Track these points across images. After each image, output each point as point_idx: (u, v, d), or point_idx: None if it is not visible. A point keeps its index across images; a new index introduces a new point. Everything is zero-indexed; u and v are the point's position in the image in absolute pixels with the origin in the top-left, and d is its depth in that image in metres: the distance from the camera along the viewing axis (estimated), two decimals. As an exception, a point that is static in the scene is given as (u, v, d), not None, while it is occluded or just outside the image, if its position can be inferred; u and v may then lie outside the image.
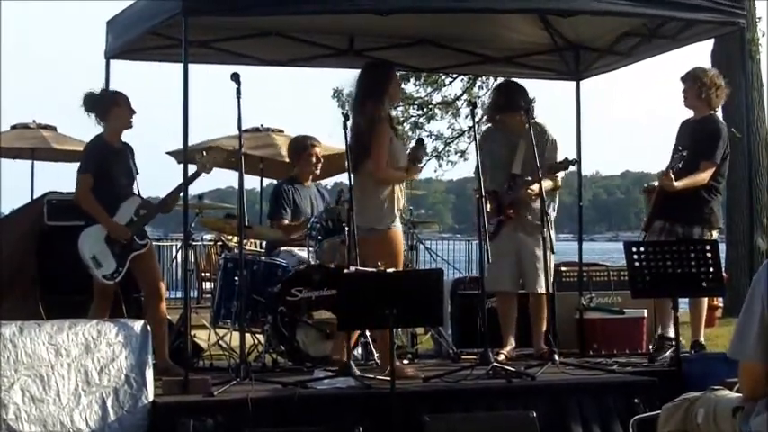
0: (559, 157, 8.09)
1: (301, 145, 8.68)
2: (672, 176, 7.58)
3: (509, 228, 8.03)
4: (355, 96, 7.47)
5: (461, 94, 20.77)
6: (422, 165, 7.56)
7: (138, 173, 7.51)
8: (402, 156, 7.36)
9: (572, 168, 8.33)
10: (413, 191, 15.10)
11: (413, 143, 7.47)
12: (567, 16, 8.03)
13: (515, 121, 8.00)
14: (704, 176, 7.74)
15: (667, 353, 7.69)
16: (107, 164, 7.32)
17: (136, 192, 7.44)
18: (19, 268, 8.39)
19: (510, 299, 8.06)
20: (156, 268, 7.61)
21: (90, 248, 7.22)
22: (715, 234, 7.80)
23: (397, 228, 7.34)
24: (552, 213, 8.08)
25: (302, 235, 8.12)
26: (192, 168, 7.29)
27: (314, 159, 8.57)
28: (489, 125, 8.32)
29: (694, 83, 7.95)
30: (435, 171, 22.41)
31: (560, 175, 8.17)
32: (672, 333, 7.88)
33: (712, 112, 8.01)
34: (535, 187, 7.70)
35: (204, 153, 7.45)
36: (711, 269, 6.78)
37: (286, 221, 8.37)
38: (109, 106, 7.37)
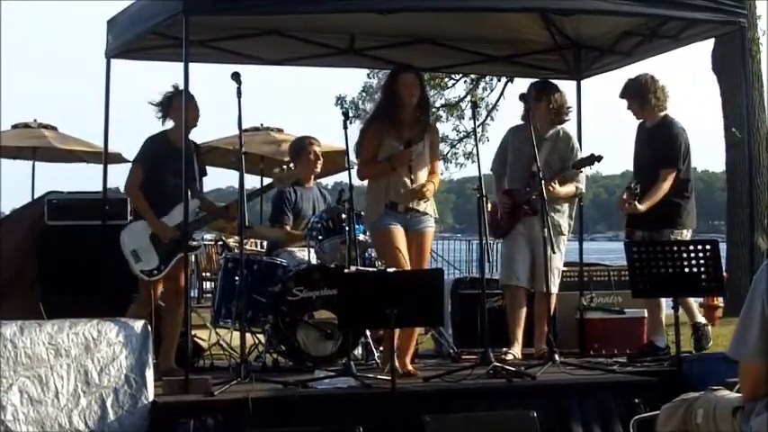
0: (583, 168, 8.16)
1: (300, 145, 8.67)
2: (635, 205, 7.61)
3: (523, 225, 8.05)
4: None
5: (465, 96, 20.78)
6: (408, 156, 7.26)
7: (205, 174, 7.46)
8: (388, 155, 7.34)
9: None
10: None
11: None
12: (568, 15, 8.03)
13: (544, 118, 8.04)
14: (666, 185, 7.78)
15: (648, 358, 7.70)
16: (162, 161, 7.21)
17: (196, 194, 7.34)
18: (19, 268, 8.39)
19: (521, 294, 8.05)
20: (187, 274, 7.36)
21: (131, 242, 7.22)
22: (688, 234, 7.84)
23: (382, 225, 7.23)
24: (569, 221, 8.12)
25: (302, 236, 8.13)
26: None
27: (313, 157, 8.56)
28: (517, 124, 8.30)
29: (632, 97, 8.00)
30: (442, 174, 22.41)
31: (583, 180, 8.19)
32: (662, 342, 7.91)
33: (663, 114, 8.00)
34: (556, 186, 7.76)
35: (285, 168, 7.46)
36: (711, 269, 6.78)
37: (288, 226, 8.35)
38: (169, 106, 7.30)
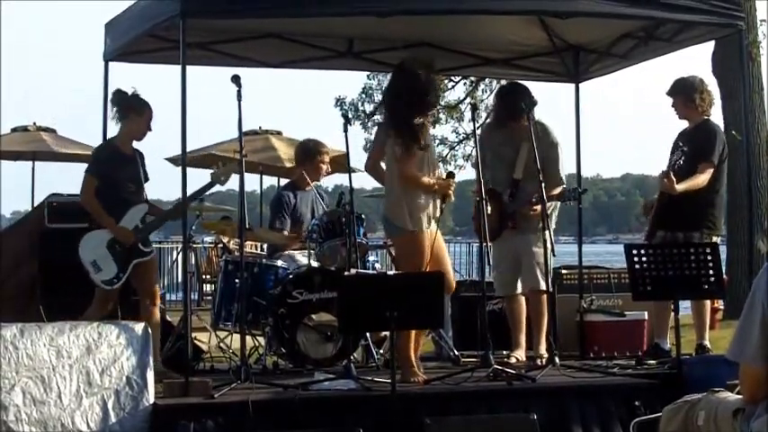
0: (561, 160, 8.13)
1: (312, 150, 8.62)
2: (673, 178, 7.56)
3: (509, 230, 8.03)
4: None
5: (464, 98, 20.78)
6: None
7: (147, 179, 7.49)
8: (423, 163, 7.07)
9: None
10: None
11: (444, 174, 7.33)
12: (565, 18, 8.03)
13: (519, 126, 7.99)
14: (704, 178, 7.70)
15: (654, 362, 7.68)
16: (113, 168, 7.29)
17: (145, 199, 7.40)
18: (19, 270, 8.40)
19: (520, 300, 8.05)
20: (155, 275, 7.58)
21: (91, 253, 7.21)
22: (716, 238, 7.78)
23: (420, 230, 6.98)
24: (552, 225, 8.10)
25: (302, 239, 8.13)
26: (200, 177, 7.26)
27: (324, 167, 8.56)
28: (488, 123, 8.28)
29: (679, 93, 7.97)
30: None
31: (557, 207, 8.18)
32: (666, 345, 7.90)
33: (706, 117, 8.00)
34: (538, 207, 7.69)
35: (221, 165, 7.46)
36: (712, 271, 6.77)
37: (285, 232, 8.35)
38: (129, 109, 7.34)
